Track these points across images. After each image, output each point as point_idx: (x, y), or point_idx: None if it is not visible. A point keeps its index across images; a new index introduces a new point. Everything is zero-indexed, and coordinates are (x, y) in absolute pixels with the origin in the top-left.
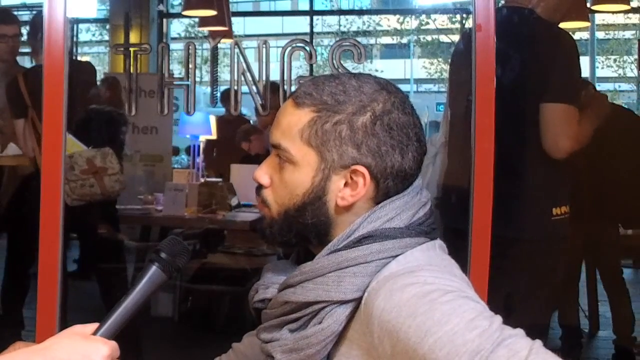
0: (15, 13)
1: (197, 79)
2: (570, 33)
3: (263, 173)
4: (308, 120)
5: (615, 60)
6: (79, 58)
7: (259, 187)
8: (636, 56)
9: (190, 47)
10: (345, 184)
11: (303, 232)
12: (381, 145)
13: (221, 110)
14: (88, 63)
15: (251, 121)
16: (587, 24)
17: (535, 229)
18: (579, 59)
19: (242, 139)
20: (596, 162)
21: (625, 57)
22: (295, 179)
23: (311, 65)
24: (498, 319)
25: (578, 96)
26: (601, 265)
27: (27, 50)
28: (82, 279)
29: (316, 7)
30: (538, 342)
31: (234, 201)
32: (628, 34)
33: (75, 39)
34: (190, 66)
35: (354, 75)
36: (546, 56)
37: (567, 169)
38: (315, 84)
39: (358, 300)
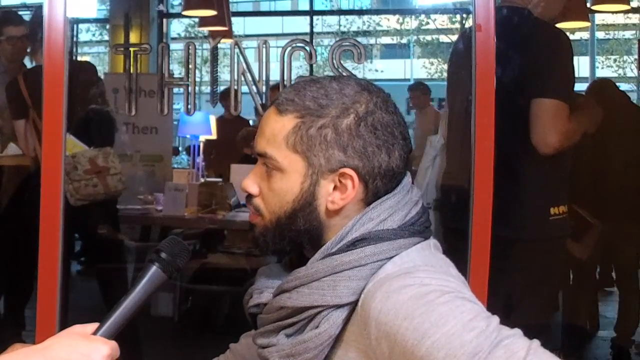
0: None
1: (197, 79)
2: (570, 33)
3: (251, 182)
4: (292, 126)
5: (615, 60)
6: (79, 58)
7: (249, 197)
8: (636, 56)
9: (190, 47)
10: (334, 188)
11: (296, 238)
12: (367, 146)
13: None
14: (88, 63)
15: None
16: (587, 24)
17: (533, 229)
18: (572, 59)
19: (243, 146)
20: (617, 160)
21: (625, 57)
22: (284, 186)
23: (311, 65)
24: (495, 319)
25: (570, 94)
26: (617, 264)
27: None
28: (87, 277)
29: (316, 7)
30: (536, 342)
31: (234, 201)
32: (628, 34)
33: (75, 39)
34: (190, 66)
35: (335, 78)
36: (542, 55)
37: (565, 168)
38: (297, 90)
39: (354, 304)
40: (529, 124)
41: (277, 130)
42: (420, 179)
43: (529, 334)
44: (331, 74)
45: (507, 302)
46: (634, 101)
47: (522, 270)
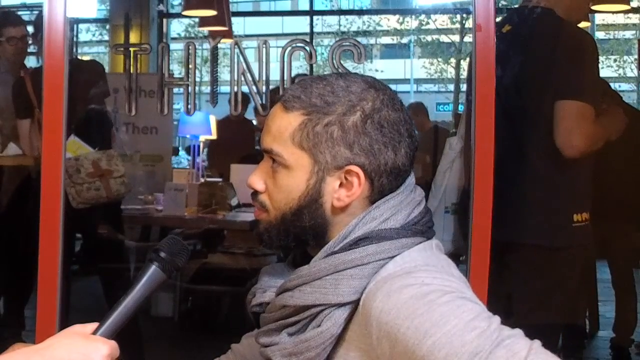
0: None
1: (197, 79)
2: None
3: (257, 179)
4: (299, 123)
5: (615, 60)
6: (79, 58)
7: (255, 193)
8: (636, 56)
9: (190, 47)
10: (340, 185)
11: (301, 235)
12: (373, 144)
13: None
14: (94, 61)
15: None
16: (587, 24)
17: (555, 236)
18: (598, 61)
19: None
20: (613, 160)
21: (625, 57)
22: (290, 183)
23: (311, 65)
24: (496, 319)
25: (595, 96)
26: (613, 264)
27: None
28: (83, 276)
29: (316, 7)
30: (537, 343)
31: (234, 201)
32: (628, 34)
33: (75, 39)
34: (190, 66)
35: (341, 75)
36: (567, 57)
37: (588, 173)
38: (303, 87)
39: (356, 303)
40: (553, 127)
41: (283, 127)
42: (438, 181)
43: (544, 337)
44: None
45: (521, 306)
46: (634, 101)
47: (541, 276)
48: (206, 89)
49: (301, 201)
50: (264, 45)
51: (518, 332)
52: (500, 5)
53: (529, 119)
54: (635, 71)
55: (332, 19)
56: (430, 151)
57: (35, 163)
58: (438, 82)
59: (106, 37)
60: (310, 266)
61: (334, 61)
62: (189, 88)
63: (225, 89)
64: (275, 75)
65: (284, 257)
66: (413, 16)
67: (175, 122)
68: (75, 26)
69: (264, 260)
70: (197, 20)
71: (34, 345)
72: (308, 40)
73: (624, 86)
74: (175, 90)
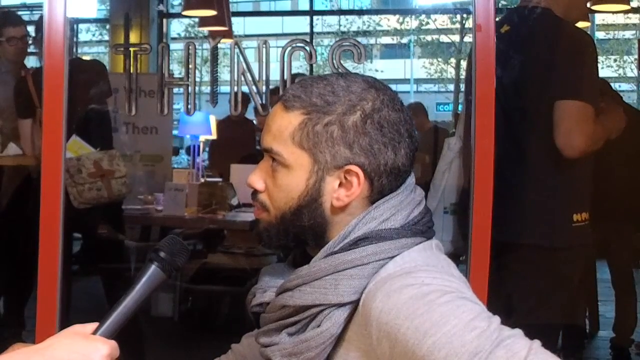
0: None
1: (197, 79)
2: None
3: (257, 178)
4: (299, 122)
5: (615, 60)
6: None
7: (255, 192)
8: (636, 56)
9: (190, 47)
10: (340, 185)
11: (300, 234)
12: (373, 144)
13: None
14: (95, 61)
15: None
16: (587, 24)
17: (555, 236)
18: (597, 61)
19: None
20: (611, 160)
21: (625, 57)
22: (290, 183)
23: (311, 65)
24: (496, 319)
25: (594, 96)
26: (613, 264)
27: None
28: (83, 276)
29: (316, 7)
30: (537, 342)
31: (234, 201)
32: (628, 34)
33: (75, 39)
34: (190, 66)
35: (342, 75)
36: (566, 56)
37: (588, 173)
38: (304, 87)
39: (356, 303)
40: (553, 127)
41: (283, 127)
42: (437, 182)
43: (544, 337)
44: None
45: (521, 306)
46: (634, 101)
47: (542, 276)
48: (206, 89)
49: (301, 200)
50: (264, 45)
51: (518, 332)
52: (500, 5)
53: (528, 119)
54: (635, 71)
55: (332, 19)
56: (430, 151)
57: (35, 163)
58: (438, 82)
59: (106, 37)
60: (310, 266)
61: (334, 61)
62: (189, 88)
63: (225, 89)
64: (275, 75)
65: (284, 257)
66: (413, 16)
67: (175, 122)
68: (75, 26)
69: (264, 260)
70: (197, 20)
71: (34, 345)
72: (308, 40)
73: (624, 86)
74: (175, 90)
